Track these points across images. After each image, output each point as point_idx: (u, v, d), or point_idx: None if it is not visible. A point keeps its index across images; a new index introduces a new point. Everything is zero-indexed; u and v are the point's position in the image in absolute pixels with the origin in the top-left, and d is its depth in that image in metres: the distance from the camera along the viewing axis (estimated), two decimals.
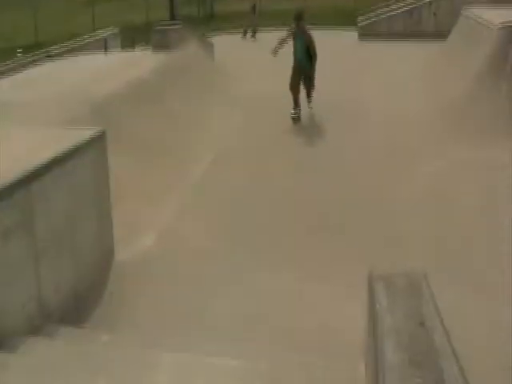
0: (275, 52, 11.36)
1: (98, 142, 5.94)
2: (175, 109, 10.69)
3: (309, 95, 11.72)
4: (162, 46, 13.26)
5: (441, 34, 15.91)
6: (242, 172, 7.84)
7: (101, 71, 11.84)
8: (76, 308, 5.41)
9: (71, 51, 17.22)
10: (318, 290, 5.65)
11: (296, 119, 11.21)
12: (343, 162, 8.98)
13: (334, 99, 11.84)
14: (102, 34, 21.19)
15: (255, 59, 14.51)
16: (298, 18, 11.45)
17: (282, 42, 11.41)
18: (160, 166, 8.68)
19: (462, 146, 8.60)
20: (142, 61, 12.65)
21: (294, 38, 11.23)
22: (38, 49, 19.08)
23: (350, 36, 21.02)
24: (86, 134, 5.88)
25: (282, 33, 11.89)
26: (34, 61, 15.85)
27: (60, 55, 16.04)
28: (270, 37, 13.46)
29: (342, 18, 23.23)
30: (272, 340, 4.88)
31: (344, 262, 6.14)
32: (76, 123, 7.81)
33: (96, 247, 6.03)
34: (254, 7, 22.80)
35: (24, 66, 14.79)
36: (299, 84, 11.38)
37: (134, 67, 11.92)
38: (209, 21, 28.79)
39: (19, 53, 18.44)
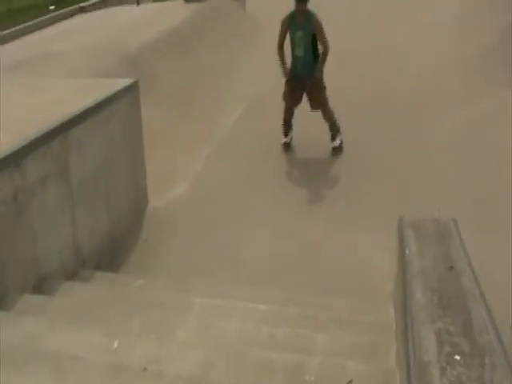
0: (286, 72, 7.50)
1: (130, 91, 6.00)
2: (207, 59, 10.65)
3: (329, 124, 7.66)
4: None
5: None
6: (274, 121, 7.82)
7: (133, 22, 11.83)
8: (110, 254, 5.54)
9: (104, 4, 17.14)
10: (347, 234, 5.68)
11: (287, 147, 7.87)
12: (375, 107, 8.85)
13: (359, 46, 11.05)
14: None
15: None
16: None
17: (281, 50, 7.50)
18: (192, 116, 8.70)
19: (497, 93, 8.42)
20: (174, 11, 12.57)
21: (290, 29, 7.38)
22: (70, 3, 19.02)
23: None
24: (119, 83, 5.95)
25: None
26: (67, 14, 15.82)
27: (93, 8, 15.97)
28: None
29: None
30: (300, 284, 4.95)
31: (374, 208, 6.14)
32: (109, 74, 7.87)
33: (130, 195, 6.13)
34: None
35: (57, 20, 14.79)
36: (299, 98, 7.61)
37: (166, 18, 11.87)
38: None
39: (52, 7, 18.42)
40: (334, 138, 7.70)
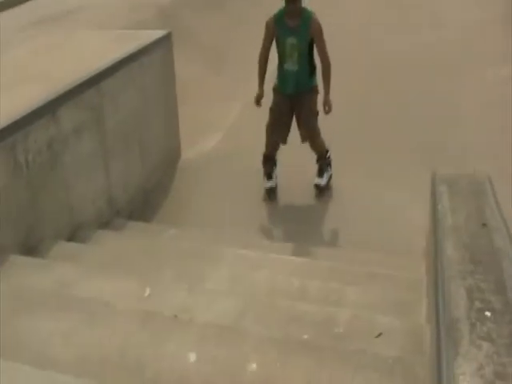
0: (260, 97, 5.57)
1: (164, 42, 5.98)
2: (242, 13, 10.51)
3: (317, 155, 5.85)
4: None
5: None
6: None
7: None
8: (143, 205, 5.59)
9: None
10: (380, 188, 5.64)
11: (272, 192, 5.84)
12: (410, 68, 8.71)
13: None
14: None
15: None
16: None
17: (264, 64, 5.55)
18: (226, 71, 8.64)
19: None
20: None
21: (278, 35, 5.42)
22: None
23: None
24: (152, 34, 5.93)
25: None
26: None
27: None
28: None
29: None
30: (331, 238, 4.95)
31: (407, 163, 6.08)
32: (143, 26, 7.83)
33: (163, 146, 6.16)
34: None
35: None
36: (287, 128, 5.67)
37: None
38: None
39: None
40: (320, 174, 5.80)
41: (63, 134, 4.47)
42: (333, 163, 5.90)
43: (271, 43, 5.43)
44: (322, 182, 5.78)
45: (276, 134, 5.63)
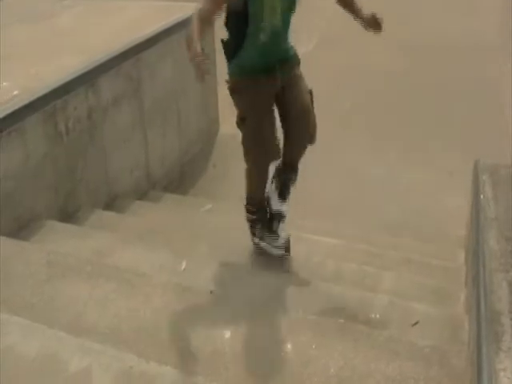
0: (201, 73, 2.80)
1: None
2: None
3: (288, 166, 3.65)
4: None
5: None
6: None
7: None
8: (180, 178, 5.61)
9: None
10: (419, 175, 5.58)
11: (284, 255, 3.67)
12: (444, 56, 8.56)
13: None
14: None
15: None
16: None
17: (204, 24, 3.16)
18: None
19: None
20: None
21: None
22: None
23: None
24: (193, 7, 5.87)
25: None
26: None
27: None
28: None
29: None
30: (365, 223, 4.91)
31: (448, 150, 5.99)
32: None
33: (201, 120, 6.14)
34: None
35: None
36: (273, 124, 3.44)
37: None
38: None
39: None
40: (283, 195, 3.68)
41: (102, 104, 4.49)
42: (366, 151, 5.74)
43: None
44: (284, 207, 3.68)
45: (267, 146, 3.42)
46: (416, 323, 2.91)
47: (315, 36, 9.05)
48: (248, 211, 3.71)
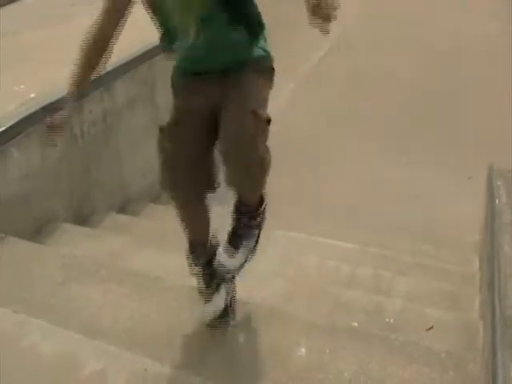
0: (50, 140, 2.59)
1: None
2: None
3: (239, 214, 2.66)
4: None
5: None
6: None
7: None
8: None
9: None
10: (432, 179, 5.56)
11: (210, 326, 2.69)
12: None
13: None
14: None
15: None
16: None
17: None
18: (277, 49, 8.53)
19: None
20: None
21: None
22: None
23: None
24: None
25: None
26: None
27: None
28: None
29: None
30: (382, 227, 4.89)
31: (461, 154, 5.97)
32: None
33: None
34: None
35: None
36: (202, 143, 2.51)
37: None
38: None
39: None
40: (234, 245, 2.66)
41: (117, 107, 4.51)
42: (379, 154, 5.79)
43: None
44: (231, 261, 2.64)
45: (190, 173, 2.56)
46: (430, 328, 2.90)
47: (329, 40, 9.04)
48: (188, 262, 2.81)
